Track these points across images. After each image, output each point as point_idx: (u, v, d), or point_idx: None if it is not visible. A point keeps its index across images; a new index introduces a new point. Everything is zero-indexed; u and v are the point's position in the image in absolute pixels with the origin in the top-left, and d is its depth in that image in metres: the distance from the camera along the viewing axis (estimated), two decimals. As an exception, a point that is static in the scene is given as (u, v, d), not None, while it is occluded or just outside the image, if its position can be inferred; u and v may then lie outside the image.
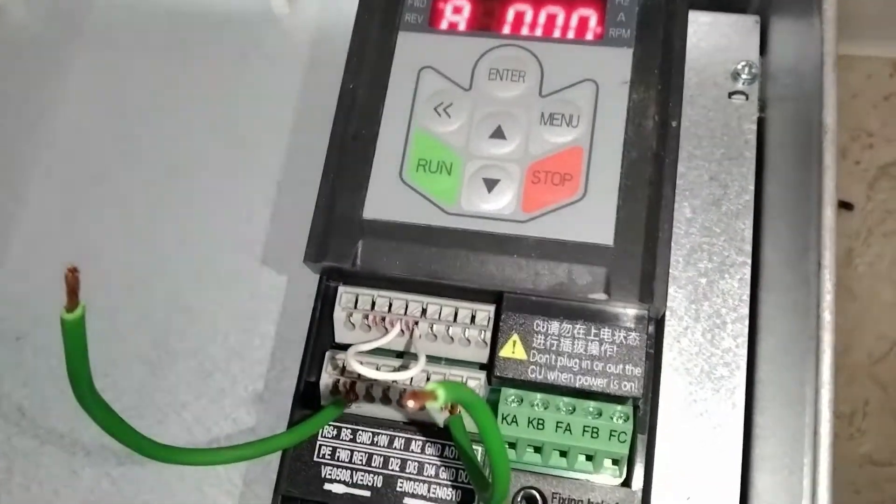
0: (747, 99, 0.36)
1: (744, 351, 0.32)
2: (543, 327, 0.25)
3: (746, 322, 0.32)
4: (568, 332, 0.25)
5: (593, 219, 0.26)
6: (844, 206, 0.58)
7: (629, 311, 0.25)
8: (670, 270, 0.33)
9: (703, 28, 0.37)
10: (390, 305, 0.26)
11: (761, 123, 0.36)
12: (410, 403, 0.15)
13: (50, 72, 0.40)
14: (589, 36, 0.28)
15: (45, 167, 0.38)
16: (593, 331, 0.25)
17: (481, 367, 0.27)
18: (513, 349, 0.25)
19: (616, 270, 0.25)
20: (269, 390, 0.33)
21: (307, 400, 0.27)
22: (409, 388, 0.15)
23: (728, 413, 0.31)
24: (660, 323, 0.27)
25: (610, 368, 0.25)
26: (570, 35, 0.28)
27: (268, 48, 0.40)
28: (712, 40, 0.37)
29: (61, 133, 0.39)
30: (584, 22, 0.28)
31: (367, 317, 0.26)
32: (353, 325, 0.27)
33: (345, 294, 0.27)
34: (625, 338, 0.25)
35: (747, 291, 0.33)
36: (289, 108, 0.38)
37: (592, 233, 0.25)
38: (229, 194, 0.37)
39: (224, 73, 0.39)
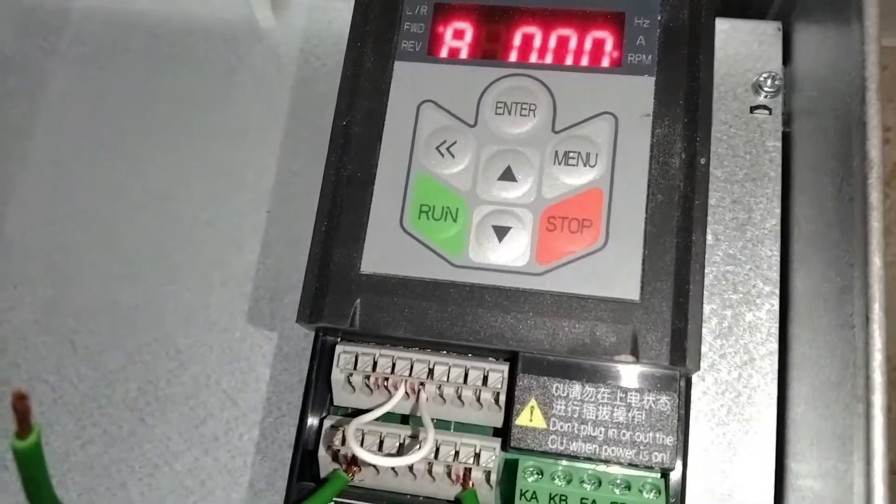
0: (770, 113, 0.33)
1: (774, 389, 0.30)
2: (564, 391, 0.23)
3: (776, 358, 0.30)
4: (591, 397, 0.23)
5: (616, 271, 0.23)
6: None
7: (658, 373, 0.23)
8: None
9: (720, 36, 0.34)
10: (393, 365, 0.24)
11: (786, 139, 0.33)
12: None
13: (23, 93, 0.38)
14: (605, 63, 0.25)
15: (22, 198, 0.36)
16: (619, 395, 0.23)
17: (495, 431, 0.24)
18: (530, 416, 0.23)
19: (644, 329, 0.23)
20: (266, 439, 0.31)
21: (305, 470, 0.25)
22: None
23: (758, 457, 0.29)
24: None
25: (638, 437, 0.22)
26: (585, 62, 0.25)
27: (255, 65, 0.37)
28: (731, 49, 0.34)
29: (38, 160, 0.36)
30: (599, 47, 0.25)
31: (367, 378, 0.24)
32: (353, 387, 0.24)
33: (343, 354, 0.24)
34: (654, 402, 0.23)
35: (776, 325, 0.31)
36: (278, 128, 0.35)
37: (616, 287, 0.23)
38: (216, 224, 0.34)
39: (209, 91, 0.37)
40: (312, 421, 0.25)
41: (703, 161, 0.24)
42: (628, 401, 0.23)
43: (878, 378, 0.21)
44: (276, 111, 0.36)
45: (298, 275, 0.26)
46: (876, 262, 0.22)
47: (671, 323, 0.23)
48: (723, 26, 0.35)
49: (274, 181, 0.35)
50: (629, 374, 0.23)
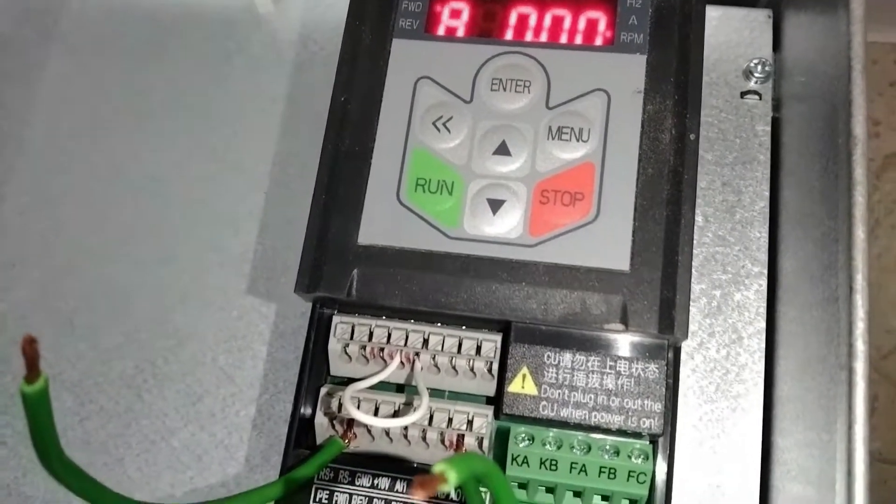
0: (760, 98, 0.34)
1: (761, 367, 0.30)
2: (555, 359, 0.23)
3: (763, 337, 0.31)
4: (581, 365, 0.23)
5: (607, 242, 0.24)
6: (851, 197, 0.56)
7: (647, 341, 0.24)
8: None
9: (711, 23, 0.35)
10: (389, 336, 0.25)
11: (775, 124, 0.34)
12: (420, 496, 0.13)
13: (21, 77, 0.38)
14: (598, 41, 0.26)
15: (20, 180, 0.36)
16: (609, 363, 0.23)
17: (488, 400, 0.25)
18: (522, 384, 0.23)
19: (633, 299, 0.23)
20: (263, 415, 0.32)
21: (302, 437, 0.25)
22: (414, 478, 0.13)
23: (746, 433, 0.29)
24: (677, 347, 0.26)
25: (627, 404, 0.23)
26: (578, 41, 0.26)
27: (253, 50, 0.37)
28: (722, 36, 0.35)
29: (36, 143, 0.37)
30: (592, 26, 0.26)
31: (364, 348, 0.25)
32: (350, 357, 0.25)
33: (340, 324, 0.25)
34: (643, 370, 0.23)
35: (764, 304, 0.31)
36: (275, 112, 0.36)
37: (607, 258, 0.24)
38: (214, 206, 0.35)
39: (207, 76, 0.37)
40: (309, 389, 0.25)
41: (692, 137, 0.24)
42: (618, 369, 0.23)
43: (860, 346, 0.22)
44: (274, 95, 0.36)
45: (295, 255, 0.27)
46: (859, 234, 0.23)
47: (660, 292, 0.23)
48: (714, 13, 0.35)
49: (271, 164, 0.35)
50: (619, 342, 0.24)
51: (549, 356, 0.23)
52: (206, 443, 0.31)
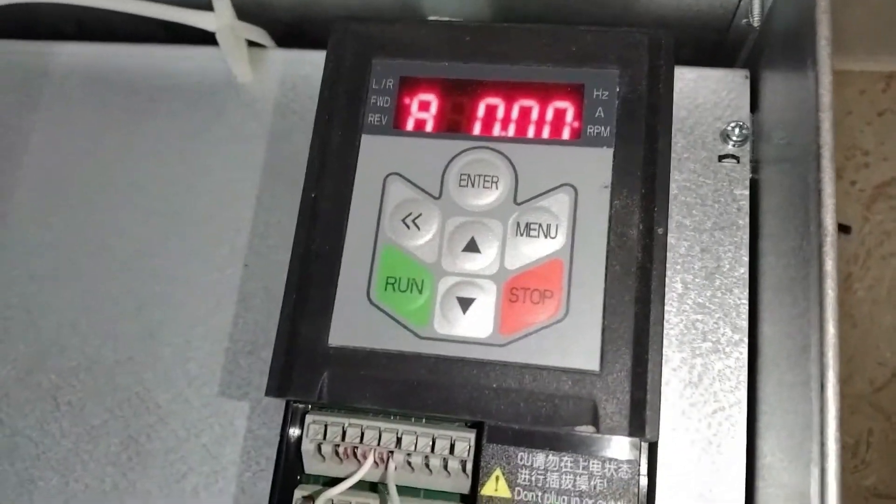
0: (738, 161, 0.34)
1: (743, 438, 0.30)
2: (528, 460, 0.23)
3: (745, 406, 0.31)
4: (555, 466, 0.23)
5: (577, 342, 0.24)
6: (842, 229, 0.56)
7: (620, 440, 0.24)
8: (664, 350, 0.31)
9: (689, 85, 0.35)
10: (362, 435, 0.25)
11: (754, 186, 0.34)
12: None
13: (3, 150, 0.38)
14: (566, 135, 0.26)
15: (5, 256, 0.36)
16: (581, 464, 0.23)
17: (462, 497, 0.25)
18: (496, 486, 0.23)
19: (604, 400, 0.23)
20: (245, 493, 0.32)
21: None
22: None
23: (728, 507, 0.29)
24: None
25: (600, 505, 0.23)
26: (546, 134, 0.26)
27: (232, 119, 0.37)
28: (700, 98, 0.35)
29: (19, 217, 0.37)
30: (560, 119, 0.26)
31: (337, 447, 0.25)
32: (324, 456, 0.25)
33: (312, 424, 0.25)
34: (615, 470, 0.23)
35: (745, 373, 0.31)
36: (255, 180, 0.36)
37: (577, 358, 0.24)
38: (195, 280, 0.35)
39: (187, 146, 0.37)
40: (285, 490, 0.25)
41: (660, 231, 0.24)
42: (590, 469, 0.23)
43: (832, 446, 0.22)
44: (254, 165, 0.36)
45: (275, 328, 0.27)
46: (830, 330, 0.23)
47: (630, 393, 0.23)
48: (691, 74, 0.35)
49: (251, 235, 0.35)
50: (591, 442, 0.24)
51: (522, 457, 0.23)
52: (191, 522, 0.32)
